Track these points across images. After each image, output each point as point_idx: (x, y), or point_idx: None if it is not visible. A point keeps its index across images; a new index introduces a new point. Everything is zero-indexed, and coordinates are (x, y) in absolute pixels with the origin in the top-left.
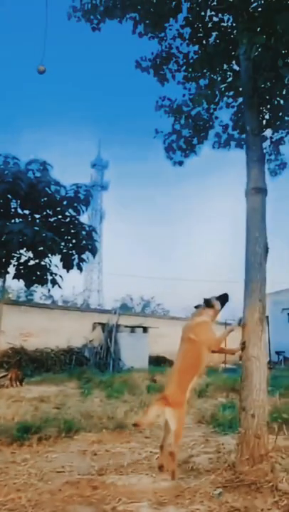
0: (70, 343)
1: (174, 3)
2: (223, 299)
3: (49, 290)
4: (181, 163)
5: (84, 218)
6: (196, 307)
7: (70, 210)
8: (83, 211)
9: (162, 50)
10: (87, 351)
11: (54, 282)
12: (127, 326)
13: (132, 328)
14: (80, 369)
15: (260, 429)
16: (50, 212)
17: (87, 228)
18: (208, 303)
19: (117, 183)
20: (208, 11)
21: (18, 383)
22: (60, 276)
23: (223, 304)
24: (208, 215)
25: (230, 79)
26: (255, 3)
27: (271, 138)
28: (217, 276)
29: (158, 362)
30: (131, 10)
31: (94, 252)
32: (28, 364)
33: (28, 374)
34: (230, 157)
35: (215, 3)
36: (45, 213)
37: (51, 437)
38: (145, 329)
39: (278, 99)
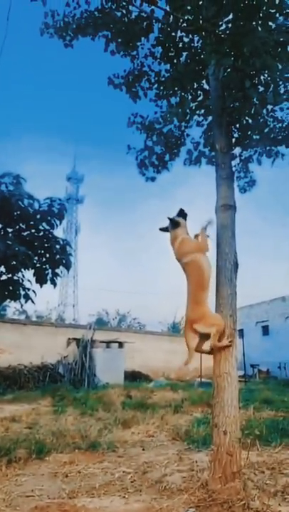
0: (44, 360)
1: (145, 23)
2: (181, 214)
3: (22, 305)
4: (153, 179)
5: (59, 232)
6: (164, 230)
7: (44, 224)
8: (57, 225)
9: (134, 67)
10: (62, 367)
11: (27, 297)
12: (102, 342)
13: (108, 344)
14: (54, 386)
15: (233, 446)
16: (23, 226)
17: (62, 242)
18: (174, 222)
19: (92, 196)
20: (179, 31)
21: None
22: (34, 291)
23: (185, 218)
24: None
25: (200, 98)
26: (223, 27)
27: (240, 156)
28: None
29: (134, 377)
30: (103, 28)
31: (68, 266)
32: (0, 381)
33: (0, 392)
34: (201, 173)
35: (185, 24)
36: (17, 227)
37: (21, 459)
38: (121, 344)
39: (247, 118)
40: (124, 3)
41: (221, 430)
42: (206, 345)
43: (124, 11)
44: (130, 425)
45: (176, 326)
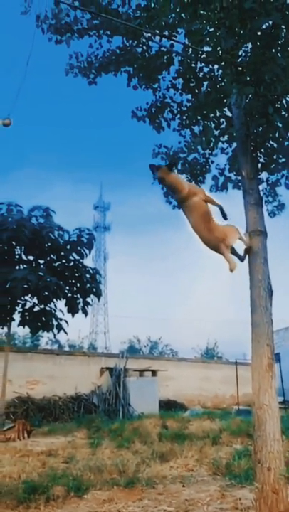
0: (78, 390)
1: (165, 57)
2: (172, 164)
3: (54, 336)
4: (179, 207)
5: (88, 260)
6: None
7: (74, 254)
8: (87, 254)
9: (156, 99)
10: (96, 398)
11: (59, 328)
12: (135, 370)
13: (141, 372)
14: (89, 417)
15: (278, 484)
16: (54, 257)
17: (91, 271)
18: (170, 166)
19: (119, 223)
20: (199, 63)
21: (25, 435)
22: (66, 321)
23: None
24: (210, 255)
25: (223, 125)
26: (242, 55)
27: (267, 180)
28: (223, 316)
29: (168, 406)
30: (125, 64)
31: (98, 294)
32: (36, 413)
33: (36, 424)
34: (229, 198)
35: (204, 56)
36: (49, 258)
37: (59, 497)
38: (154, 372)
39: (271, 142)
40: (144, 40)
41: (265, 466)
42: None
43: (144, 47)
44: (168, 458)
45: (209, 352)
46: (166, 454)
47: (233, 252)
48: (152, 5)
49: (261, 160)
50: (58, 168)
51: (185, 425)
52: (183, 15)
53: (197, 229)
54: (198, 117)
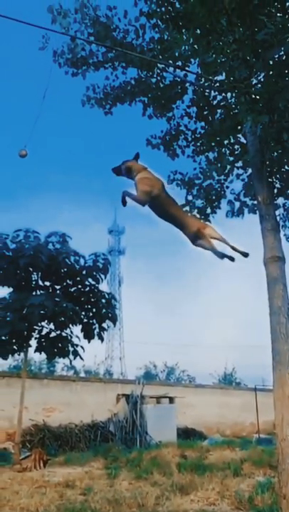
0: (94, 417)
1: (179, 86)
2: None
3: (71, 362)
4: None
5: (103, 284)
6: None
7: (90, 279)
8: (102, 279)
9: (171, 127)
10: (113, 426)
11: (76, 354)
12: (152, 397)
13: (158, 399)
14: (106, 446)
15: None
16: (71, 283)
17: (107, 296)
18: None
19: (134, 247)
20: (212, 91)
21: (41, 465)
22: (82, 347)
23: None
24: (226, 279)
25: (238, 151)
26: (255, 86)
27: (284, 205)
28: (240, 341)
29: (187, 434)
30: (140, 95)
31: (114, 320)
32: (52, 442)
33: (52, 453)
34: (244, 223)
35: (217, 84)
36: (65, 284)
37: None
38: (171, 399)
39: (287, 168)
40: (158, 71)
41: None
42: None
43: (158, 78)
44: (189, 491)
45: (227, 378)
46: (187, 485)
47: (235, 249)
48: (165, 37)
49: (277, 185)
50: (73, 192)
51: (204, 455)
52: (196, 46)
53: (180, 215)
54: (213, 144)
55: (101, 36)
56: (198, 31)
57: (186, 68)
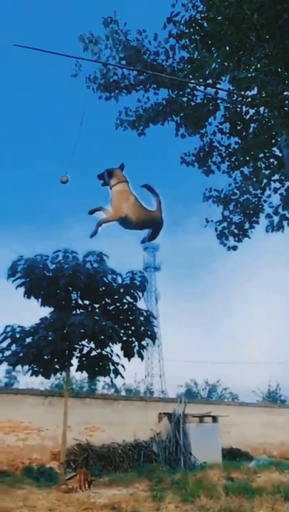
0: (137, 437)
1: (211, 104)
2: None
3: (112, 380)
4: (235, 248)
5: (140, 302)
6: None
7: (128, 297)
8: (140, 297)
9: (204, 144)
10: (156, 445)
11: (116, 372)
12: (194, 416)
13: (200, 418)
14: (150, 466)
15: None
16: (109, 301)
17: (145, 313)
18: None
19: (169, 263)
20: (244, 106)
21: (87, 486)
22: (122, 365)
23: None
24: (266, 292)
25: (274, 165)
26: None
27: None
28: (283, 357)
29: (232, 455)
30: (172, 114)
31: (153, 337)
32: (96, 462)
33: (96, 473)
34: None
35: (249, 100)
36: (103, 302)
37: None
38: (214, 418)
39: None
40: (189, 90)
41: None
42: None
43: (190, 97)
44: None
45: (271, 395)
46: (236, 510)
47: None
48: (195, 56)
49: None
50: None
51: (252, 477)
52: (226, 63)
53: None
54: (248, 159)
55: (132, 60)
56: (228, 48)
57: (217, 85)
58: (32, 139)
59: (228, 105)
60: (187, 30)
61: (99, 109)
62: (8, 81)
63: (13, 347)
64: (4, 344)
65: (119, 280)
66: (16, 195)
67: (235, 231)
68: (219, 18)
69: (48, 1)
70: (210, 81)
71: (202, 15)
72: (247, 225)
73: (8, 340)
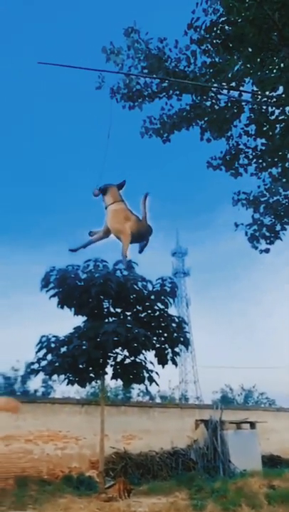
0: (174, 444)
1: (235, 106)
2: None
3: (146, 388)
4: (267, 251)
5: (171, 308)
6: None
7: (158, 304)
8: (171, 303)
9: (230, 147)
10: (193, 453)
11: (151, 380)
12: (231, 422)
13: (238, 424)
14: (189, 474)
15: None
16: (140, 308)
17: (177, 320)
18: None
19: (199, 267)
20: (270, 107)
21: (126, 495)
22: (157, 372)
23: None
24: None
25: None
26: None
27: None
28: None
29: (272, 462)
30: (196, 119)
31: (186, 344)
32: (134, 470)
33: (135, 482)
34: None
35: (274, 100)
36: (135, 310)
37: None
38: (252, 424)
39: None
40: (212, 94)
41: None
42: None
43: (213, 101)
44: None
45: None
46: None
47: None
48: (217, 60)
49: None
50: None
51: None
52: (248, 65)
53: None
54: (276, 160)
55: (154, 68)
56: (250, 50)
57: (241, 88)
58: (59, 152)
59: (253, 107)
60: (208, 35)
61: (123, 119)
62: (33, 97)
63: (49, 357)
64: (40, 354)
65: (150, 287)
66: (45, 207)
67: (267, 233)
68: (240, 20)
69: (67, 16)
70: (233, 84)
71: (222, 18)
72: (278, 227)
73: (44, 350)
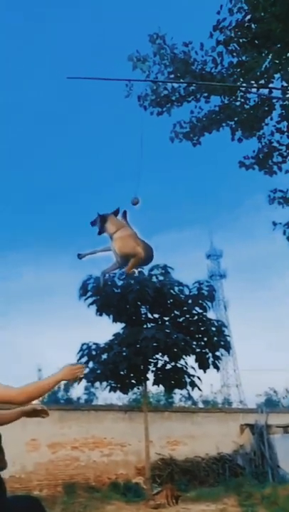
0: (220, 450)
1: (266, 104)
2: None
3: (189, 393)
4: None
5: (209, 312)
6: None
7: (197, 308)
8: (209, 307)
9: (263, 146)
10: (240, 458)
11: (193, 385)
12: (278, 426)
13: (285, 428)
14: (236, 481)
15: None
16: (178, 313)
17: (216, 323)
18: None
19: (235, 268)
20: None
21: (174, 501)
22: (198, 377)
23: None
24: None
25: None
26: None
27: None
28: None
29: None
30: (226, 120)
31: (227, 347)
32: (180, 477)
33: (182, 488)
34: None
35: None
36: (173, 315)
37: None
38: None
39: None
40: (241, 93)
41: None
42: None
43: (242, 100)
44: None
45: None
46: None
47: None
48: (244, 58)
49: None
50: (170, 225)
51: None
52: (277, 61)
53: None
54: None
55: (181, 72)
56: (278, 46)
57: (270, 85)
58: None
59: (284, 103)
60: (234, 35)
61: (152, 125)
62: (64, 112)
63: (91, 364)
64: (82, 361)
65: (186, 291)
66: (81, 216)
67: None
68: (266, 16)
69: (91, 29)
70: (262, 81)
71: (248, 17)
72: None
73: (86, 358)
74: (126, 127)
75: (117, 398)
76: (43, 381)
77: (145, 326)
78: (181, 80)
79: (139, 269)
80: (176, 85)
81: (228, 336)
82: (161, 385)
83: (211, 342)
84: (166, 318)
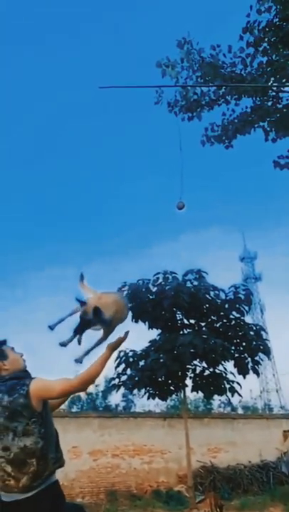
0: (263, 457)
1: None
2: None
3: (229, 399)
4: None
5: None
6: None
7: (234, 313)
8: (247, 311)
9: None
10: (284, 466)
11: (233, 391)
12: None
13: None
14: (283, 489)
15: None
16: (215, 318)
17: (254, 328)
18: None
19: (270, 271)
20: None
21: (218, 510)
22: (238, 383)
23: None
24: None
25: None
26: None
27: None
28: None
29: None
30: (259, 121)
31: (267, 352)
32: (223, 485)
33: (226, 497)
34: None
35: None
36: (209, 320)
37: None
38: None
39: None
40: (273, 93)
41: None
42: None
43: (275, 100)
44: None
45: None
46: None
47: None
48: (274, 57)
49: None
50: (201, 227)
51: None
52: None
53: None
54: None
55: (210, 75)
56: None
57: None
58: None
59: None
60: (263, 35)
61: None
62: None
63: (128, 371)
64: (120, 369)
65: (222, 296)
66: (124, 226)
67: None
68: None
69: (119, 38)
70: None
71: (278, 16)
72: None
73: (123, 365)
74: (155, 134)
75: (155, 405)
76: (96, 363)
77: (181, 332)
78: (211, 84)
79: (173, 275)
80: (205, 89)
81: (268, 340)
82: (200, 392)
83: (250, 347)
84: (203, 324)
